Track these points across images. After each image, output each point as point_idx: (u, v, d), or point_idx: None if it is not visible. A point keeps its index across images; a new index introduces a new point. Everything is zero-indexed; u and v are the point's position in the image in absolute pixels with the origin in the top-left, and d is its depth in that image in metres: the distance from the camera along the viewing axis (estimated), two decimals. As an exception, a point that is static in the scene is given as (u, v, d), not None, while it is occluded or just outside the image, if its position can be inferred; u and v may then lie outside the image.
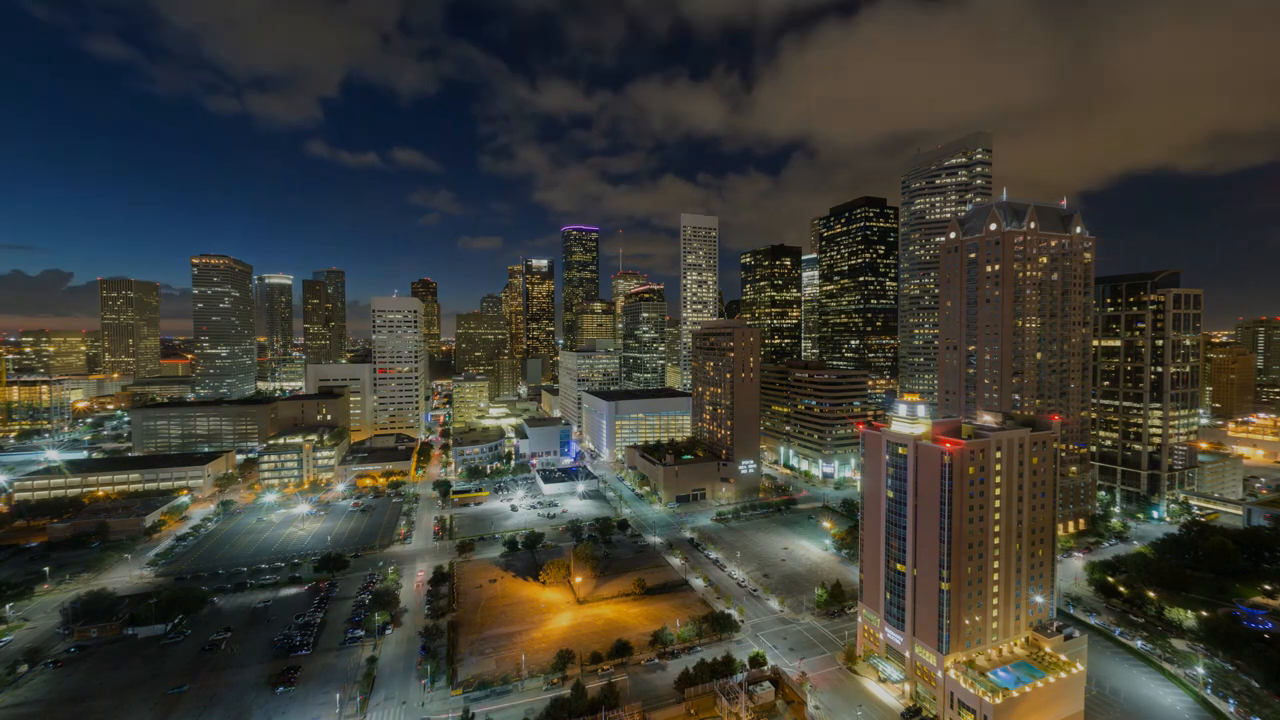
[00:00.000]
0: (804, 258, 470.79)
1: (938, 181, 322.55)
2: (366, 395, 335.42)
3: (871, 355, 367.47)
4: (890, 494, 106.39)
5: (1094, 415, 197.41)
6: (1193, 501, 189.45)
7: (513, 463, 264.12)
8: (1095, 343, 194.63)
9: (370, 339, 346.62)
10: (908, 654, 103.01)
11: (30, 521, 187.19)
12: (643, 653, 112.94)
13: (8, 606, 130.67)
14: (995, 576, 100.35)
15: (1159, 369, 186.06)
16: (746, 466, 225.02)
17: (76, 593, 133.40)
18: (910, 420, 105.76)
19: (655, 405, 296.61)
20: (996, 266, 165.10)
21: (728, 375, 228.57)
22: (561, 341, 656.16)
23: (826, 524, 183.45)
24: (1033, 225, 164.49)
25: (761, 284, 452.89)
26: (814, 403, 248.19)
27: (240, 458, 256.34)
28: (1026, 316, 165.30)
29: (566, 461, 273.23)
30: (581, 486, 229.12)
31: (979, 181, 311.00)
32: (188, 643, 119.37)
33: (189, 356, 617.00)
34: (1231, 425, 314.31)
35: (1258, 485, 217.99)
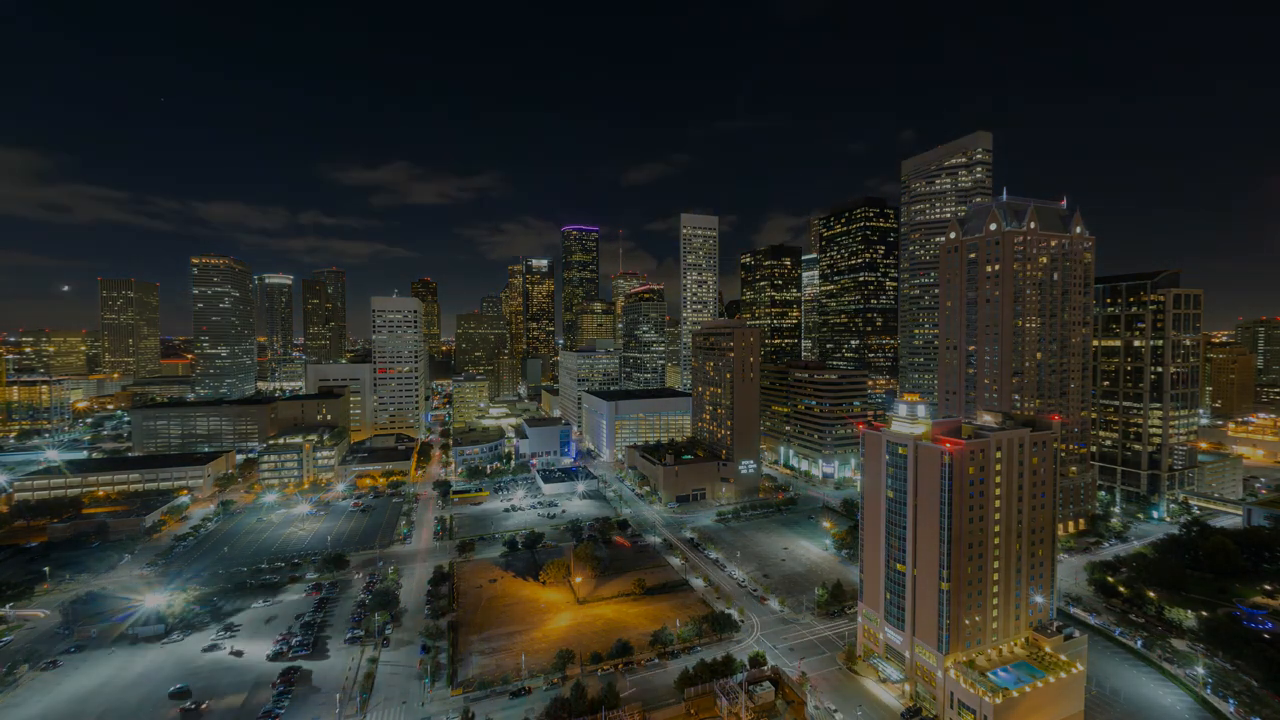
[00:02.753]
0: (804, 258, 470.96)
1: (938, 182, 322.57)
2: (366, 395, 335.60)
3: (871, 355, 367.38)
4: (890, 494, 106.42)
5: (1094, 415, 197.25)
6: (1193, 501, 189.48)
7: (513, 463, 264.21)
8: (1095, 343, 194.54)
9: (370, 339, 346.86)
10: (908, 654, 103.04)
11: (30, 521, 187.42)
12: (643, 653, 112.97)
13: (8, 606, 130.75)
14: (995, 576, 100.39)
15: (1159, 369, 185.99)
16: (746, 466, 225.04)
17: (76, 593, 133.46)
18: (910, 420, 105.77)
19: (655, 405, 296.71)
20: (996, 266, 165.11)
21: (728, 375, 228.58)
22: (561, 341, 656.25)
23: (826, 524, 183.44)
24: (1033, 225, 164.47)
25: (761, 284, 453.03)
26: (814, 403, 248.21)
27: (240, 458, 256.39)
28: (1026, 316, 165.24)
29: (566, 461, 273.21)
30: (581, 486, 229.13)
31: (979, 173, 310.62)
32: (188, 643, 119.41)
33: (189, 356, 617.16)
34: (1231, 425, 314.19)
35: (1258, 485, 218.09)
